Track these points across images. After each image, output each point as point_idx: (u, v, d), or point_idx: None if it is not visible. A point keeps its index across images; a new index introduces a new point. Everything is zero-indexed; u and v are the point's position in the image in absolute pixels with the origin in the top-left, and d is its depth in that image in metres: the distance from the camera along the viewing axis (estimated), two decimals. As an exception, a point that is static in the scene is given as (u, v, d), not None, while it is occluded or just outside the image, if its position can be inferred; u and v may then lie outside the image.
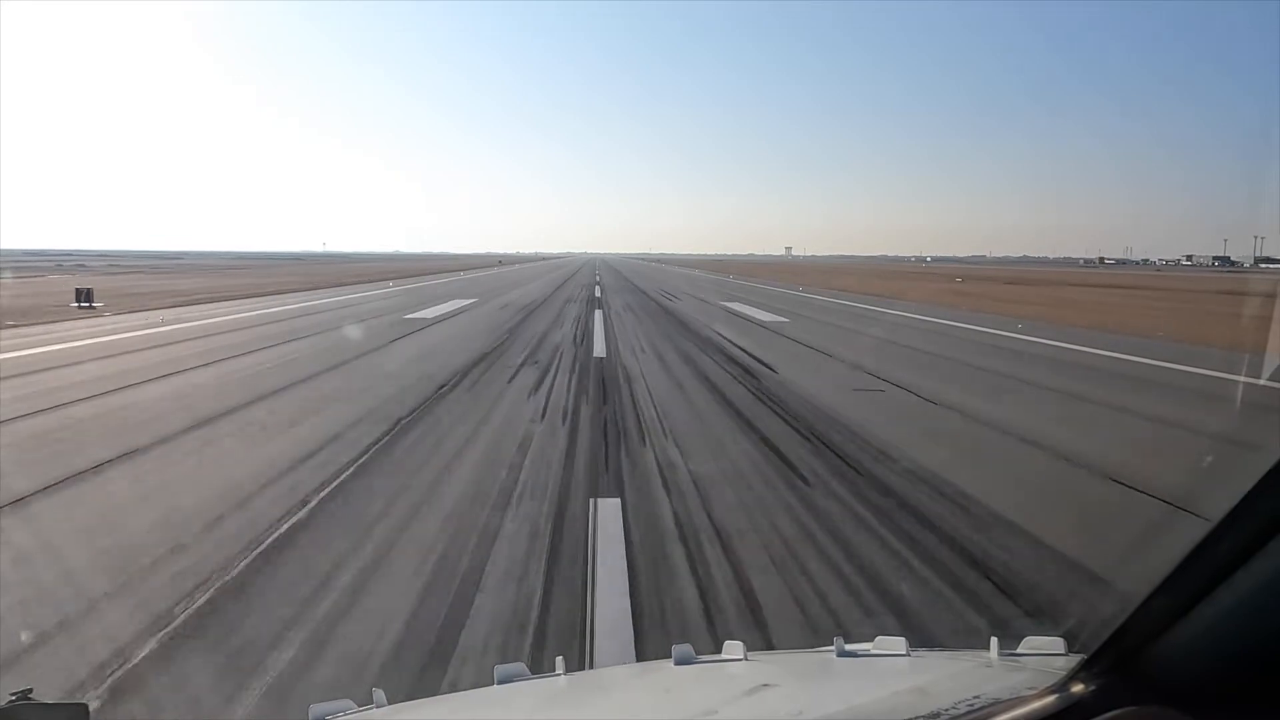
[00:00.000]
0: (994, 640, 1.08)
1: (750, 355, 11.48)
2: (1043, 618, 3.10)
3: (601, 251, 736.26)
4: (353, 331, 14.85)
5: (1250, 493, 0.66)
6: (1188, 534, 0.71)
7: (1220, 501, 0.68)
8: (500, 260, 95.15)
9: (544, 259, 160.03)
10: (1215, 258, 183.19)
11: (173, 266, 64.01)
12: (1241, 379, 9.16)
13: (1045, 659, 1.00)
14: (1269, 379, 8.39)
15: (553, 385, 8.75)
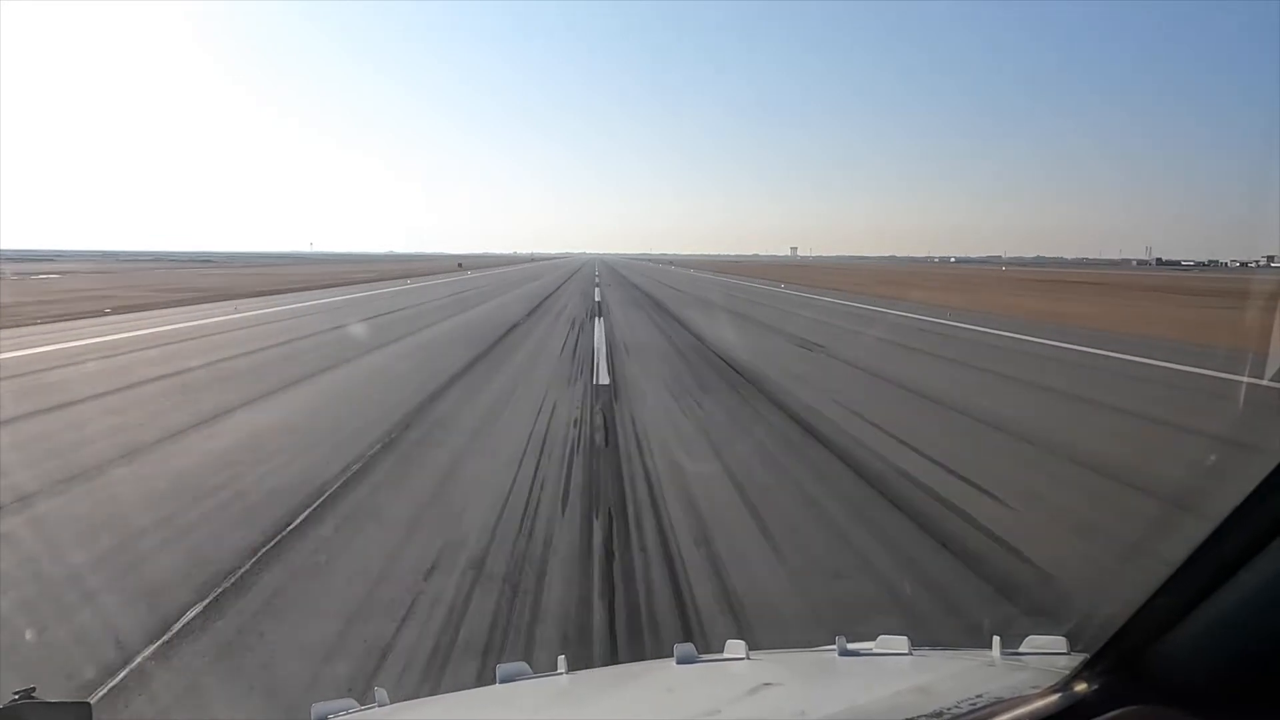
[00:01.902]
0: (996, 639, 1.08)
1: None
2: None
3: (601, 251, 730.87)
4: None
5: (1254, 492, 0.66)
6: (1191, 534, 0.71)
7: (1223, 501, 0.68)
8: (460, 264, 72.28)
9: (537, 260, 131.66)
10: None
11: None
12: None
13: (1048, 658, 1.00)
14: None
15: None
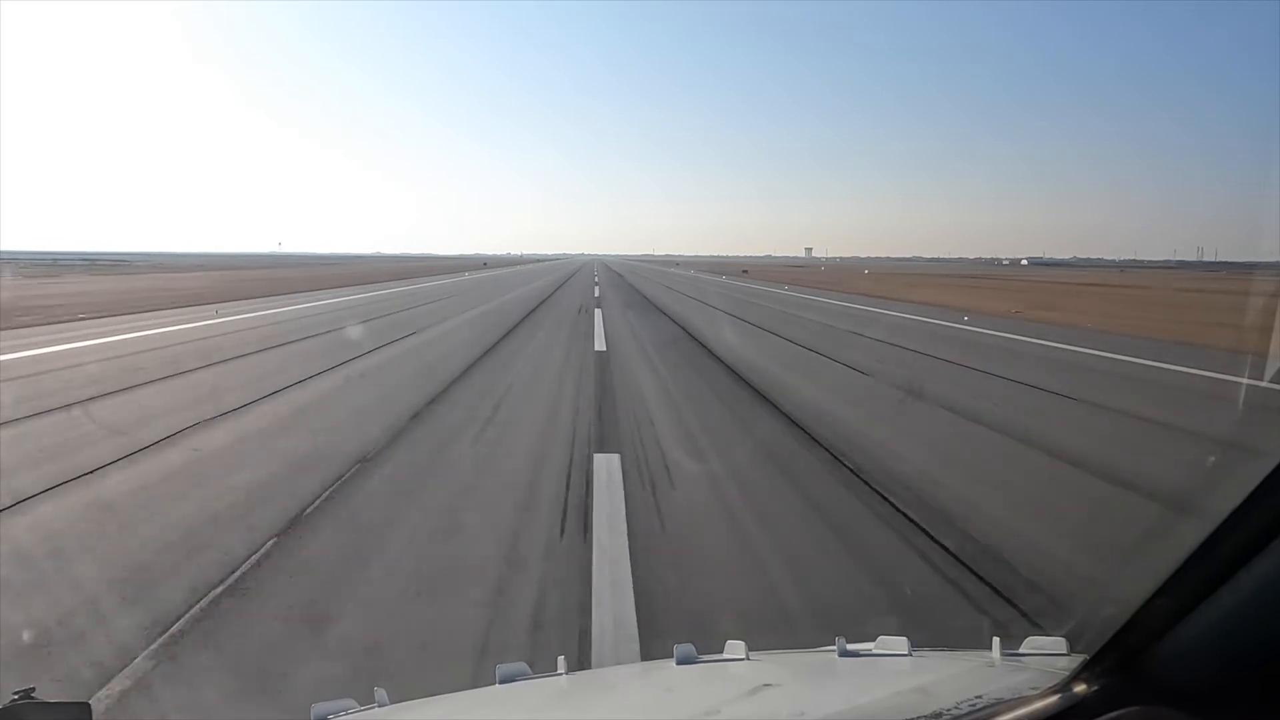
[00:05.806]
0: (996, 640, 1.08)
1: None
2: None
3: (601, 253, 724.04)
4: None
5: (1253, 493, 0.66)
6: (1190, 534, 0.71)
7: (1222, 502, 0.68)
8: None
9: (525, 261, 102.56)
10: None
11: None
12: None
13: (1048, 659, 1.00)
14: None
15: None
